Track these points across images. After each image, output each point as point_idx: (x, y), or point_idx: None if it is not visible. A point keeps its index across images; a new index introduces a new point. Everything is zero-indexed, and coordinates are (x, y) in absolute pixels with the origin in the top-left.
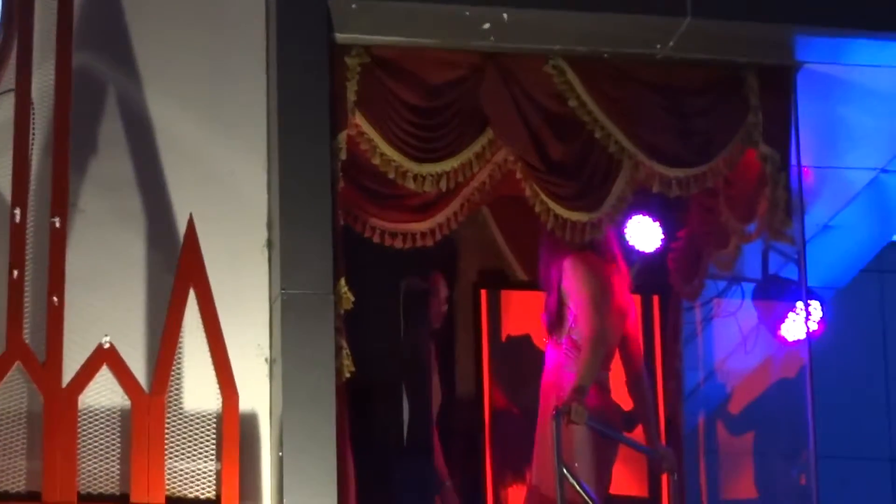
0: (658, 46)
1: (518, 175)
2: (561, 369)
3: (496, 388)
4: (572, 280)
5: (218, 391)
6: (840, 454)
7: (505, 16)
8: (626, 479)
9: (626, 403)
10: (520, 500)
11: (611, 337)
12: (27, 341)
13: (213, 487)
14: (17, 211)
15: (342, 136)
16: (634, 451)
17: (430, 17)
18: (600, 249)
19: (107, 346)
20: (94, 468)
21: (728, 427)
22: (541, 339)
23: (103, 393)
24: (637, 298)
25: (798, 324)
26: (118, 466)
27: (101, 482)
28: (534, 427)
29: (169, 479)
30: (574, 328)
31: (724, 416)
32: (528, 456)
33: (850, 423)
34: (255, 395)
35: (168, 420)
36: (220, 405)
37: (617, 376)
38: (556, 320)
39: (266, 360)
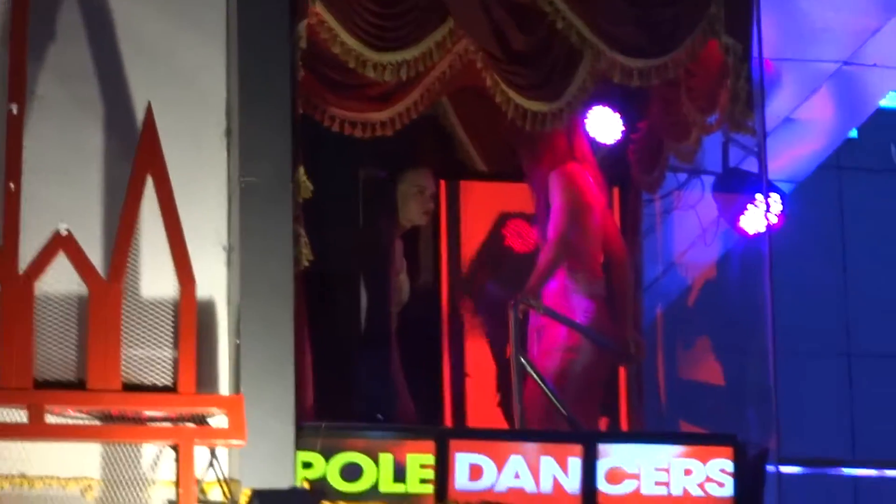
0: None
1: (479, 65)
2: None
3: (457, 280)
4: (555, 193)
5: (175, 278)
6: (797, 349)
7: None
8: None
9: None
10: (476, 391)
11: (587, 240)
12: None
13: (170, 374)
14: None
15: (302, 25)
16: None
17: None
18: (577, 155)
19: (64, 233)
20: (51, 354)
21: (687, 320)
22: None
23: (60, 280)
24: (613, 191)
25: (758, 217)
26: (75, 353)
27: (57, 368)
28: (489, 318)
29: (125, 366)
30: None
31: (684, 309)
32: (484, 349)
33: (806, 319)
34: (213, 282)
35: (125, 307)
36: (178, 292)
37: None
38: (544, 229)
39: (224, 247)
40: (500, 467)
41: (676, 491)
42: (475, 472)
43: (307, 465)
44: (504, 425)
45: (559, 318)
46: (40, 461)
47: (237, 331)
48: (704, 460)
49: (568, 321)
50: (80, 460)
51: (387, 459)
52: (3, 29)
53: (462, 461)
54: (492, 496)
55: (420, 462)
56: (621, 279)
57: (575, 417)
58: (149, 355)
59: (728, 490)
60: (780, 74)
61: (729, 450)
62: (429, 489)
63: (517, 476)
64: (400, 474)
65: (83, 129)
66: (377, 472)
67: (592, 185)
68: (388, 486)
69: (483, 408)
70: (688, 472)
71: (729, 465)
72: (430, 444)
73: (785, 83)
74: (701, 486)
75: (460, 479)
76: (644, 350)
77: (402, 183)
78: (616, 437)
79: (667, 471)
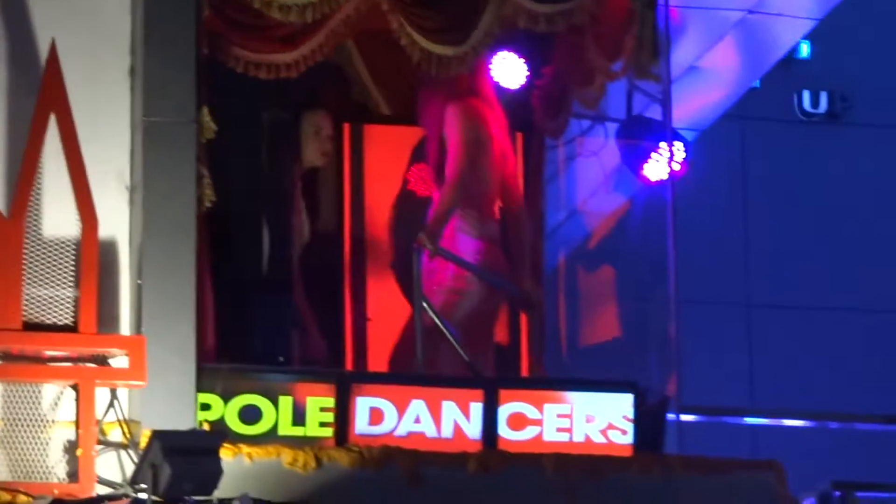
0: None
1: (384, 7)
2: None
3: (359, 223)
4: (451, 127)
5: (77, 218)
6: (697, 298)
7: None
8: None
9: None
10: (379, 334)
11: (483, 180)
12: None
13: (71, 314)
14: None
15: None
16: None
17: None
18: (477, 90)
19: None
20: None
21: (589, 268)
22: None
23: None
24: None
25: (660, 164)
26: None
27: None
28: (395, 262)
29: (26, 305)
30: None
31: (586, 257)
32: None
33: (707, 268)
34: (115, 222)
35: (26, 245)
36: (80, 232)
37: None
38: (439, 167)
39: (126, 187)
40: (400, 412)
41: (578, 437)
42: (376, 416)
43: (206, 407)
44: (406, 369)
45: (457, 261)
46: None
47: (139, 271)
48: (606, 407)
49: (466, 264)
50: None
51: (286, 402)
52: None
53: (362, 405)
54: (392, 440)
55: (320, 405)
56: (517, 228)
57: (476, 362)
58: (50, 294)
59: (630, 437)
60: (685, 22)
61: (629, 397)
62: (328, 433)
63: (418, 420)
64: (300, 417)
65: None
66: (276, 415)
67: (492, 124)
68: (287, 428)
69: (385, 352)
70: (589, 420)
71: (630, 413)
72: (331, 388)
73: (690, 31)
74: (603, 432)
75: (360, 423)
76: (542, 301)
77: (302, 124)
78: (518, 382)
79: (569, 417)
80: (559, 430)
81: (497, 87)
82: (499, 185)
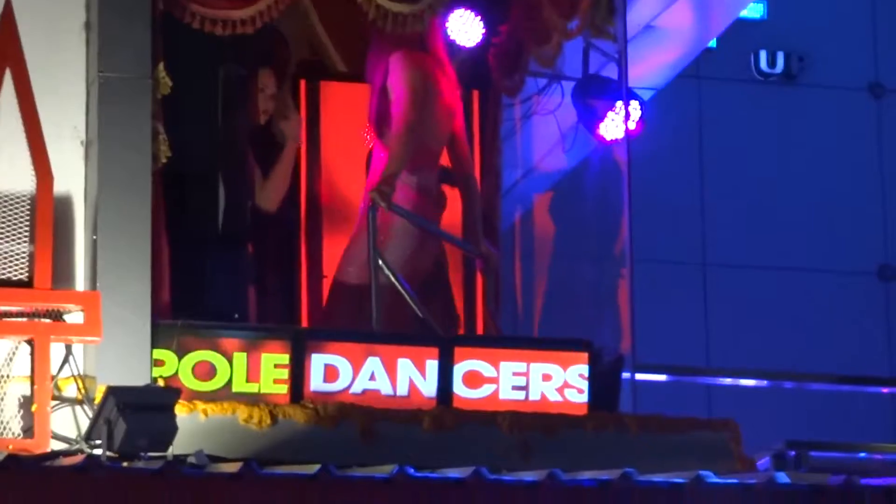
0: None
1: None
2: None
3: (316, 181)
4: (395, 76)
5: (32, 173)
6: (653, 257)
7: None
8: None
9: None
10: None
11: (430, 133)
12: None
13: (26, 269)
14: None
15: None
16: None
17: None
18: (428, 47)
19: None
20: None
21: (544, 226)
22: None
23: None
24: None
25: (617, 123)
26: None
27: None
28: (347, 219)
29: None
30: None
31: (540, 215)
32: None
33: (663, 227)
34: (70, 177)
35: None
36: (35, 187)
37: None
38: (380, 119)
39: (82, 142)
40: (356, 369)
41: (534, 396)
42: (330, 373)
43: (160, 363)
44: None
45: (411, 218)
46: None
47: (94, 226)
48: (563, 366)
49: (421, 221)
50: None
51: (240, 359)
52: None
53: (317, 362)
54: (347, 397)
55: (275, 362)
56: (468, 188)
57: (431, 319)
58: (4, 250)
59: (584, 397)
60: None
61: (584, 355)
62: (283, 389)
63: (373, 378)
64: (254, 374)
65: None
66: (231, 372)
67: (440, 79)
68: (241, 385)
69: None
70: (546, 378)
71: (584, 371)
72: (286, 345)
73: None
74: (559, 391)
75: (315, 380)
76: (496, 261)
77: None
78: (474, 340)
79: (525, 375)
80: (515, 388)
81: (450, 44)
82: (445, 141)
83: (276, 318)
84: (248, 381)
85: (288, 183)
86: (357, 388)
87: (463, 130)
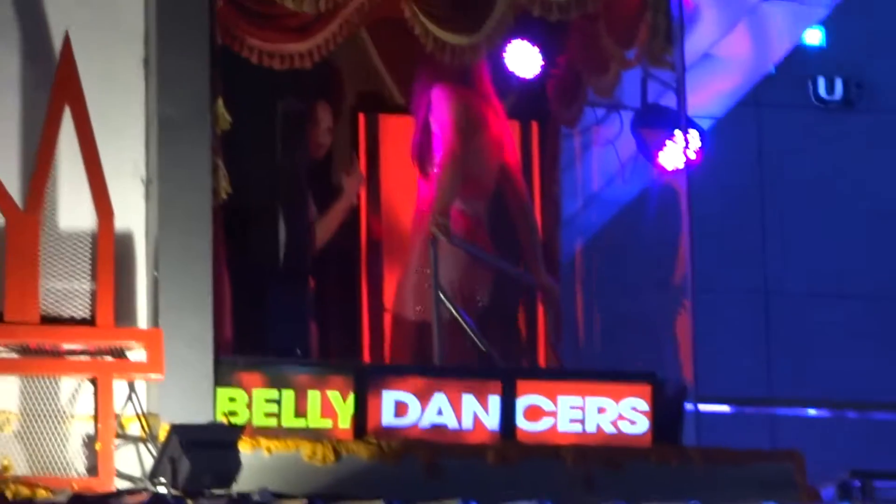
0: None
1: None
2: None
3: (375, 214)
4: (438, 110)
5: (93, 210)
6: (714, 287)
7: None
8: None
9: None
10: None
11: (477, 164)
12: None
13: (88, 307)
14: None
15: None
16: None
17: None
18: (472, 81)
19: None
20: None
21: (605, 256)
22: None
23: None
24: (515, 125)
25: (676, 153)
26: None
27: None
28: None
29: (43, 299)
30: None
31: (601, 245)
32: None
33: (724, 256)
34: (131, 215)
35: (42, 239)
36: (96, 225)
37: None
38: (423, 151)
39: (142, 179)
40: (423, 404)
41: (590, 428)
42: (397, 408)
43: (227, 400)
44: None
45: (467, 248)
46: None
47: (155, 264)
48: (620, 398)
49: (482, 253)
50: None
51: (303, 395)
52: None
53: (386, 398)
54: (416, 432)
55: (339, 398)
56: (525, 219)
57: (494, 353)
58: (67, 288)
59: (641, 428)
60: (699, 9)
61: (647, 388)
62: (346, 425)
63: (440, 413)
64: (317, 410)
65: None
66: (295, 407)
67: (485, 111)
68: (304, 421)
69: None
70: (602, 411)
71: (643, 404)
72: (349, 380)
73: (704, 18)
74: (616, 423)
75: (382, 415)
76: (556, 292)
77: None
78: (535, 374)
79: (582, 409)
80: (573, 420)
81: (507, 75)
82: (495, 172)
83: (338, 352)
84: (311, 417)
85: (336, 227)
86: (425, 422)
87: (516, 162)
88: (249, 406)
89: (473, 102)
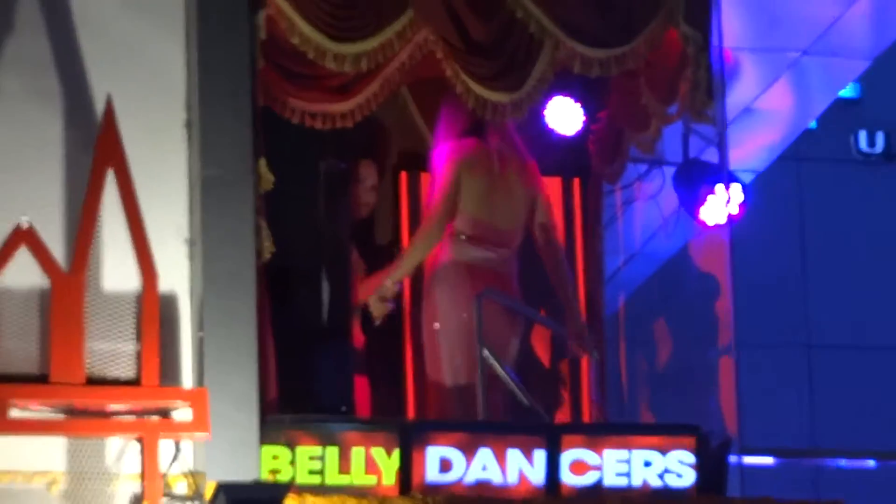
0: None
1: (439, 55)
2: None
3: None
4: (438, 166)
5: (137, 271)
6: (757, 340)
7: None
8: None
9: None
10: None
11: (494, 214)
12: None
13: (133, 368)
14: None
15: (261, 16)
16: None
17: None
18: (487, 136)
19: (25, 226)
20: (14, 348)
21: (648, 311)
22: None
23: (22, 273)
24: (557, 181)
25: (718, 207)
26: (37, 347)
27: (20, 362)
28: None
29: (88, 360)
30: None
31: (645, 300)
32: None
33: (766, 309)
34: (175, 275)
35: (87, 300)
36: (140, 285)
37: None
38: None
39: (186, 240)
40: (468, 460)
41: (638, 482)
42: (444, 465)
43: (272, 458)
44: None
45: (505, 301)
46: (4, 456)
47: (200, 323)
48: (666, 451)
49: (518, 306)
50: (45, 454)
51: (350, 452)
52: None
53: (432, 454)
54: (461, 488)
55: (383, 454)
56: (559, 272)
57: (538, 408)
58: (112, 348)
59: (688, 481)
60: (739, 64)
61: (692, 440)
62: (392, 481)
63: (484, 468)
64: (365, 467)
65: (43, 122)
66: (341, 465)
67: (504, 164)
68: (349, 478)
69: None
70: (648, 464)
71: (689, 456)
72: (394, 437)
73: (745, 73)
74: (663, 477)
75: (431, 471)
76: (589, 345)
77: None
78: (580, 428)
79: (627, 462)
80: (619, 474)
81: (540, 132)
82: (520, 223)
83: (387, 407)
84: (355, 473)
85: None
86: (470, 478)
87: (548, 216)
88: (293, 463)
89: (483, 156)
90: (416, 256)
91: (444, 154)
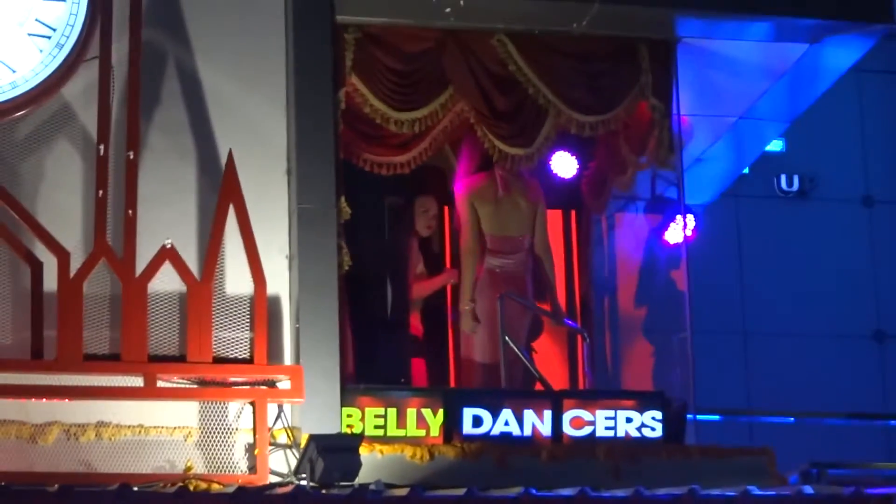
0: (575, 25)
1: (472, 121)
2: None
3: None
4: (458, 200)
5: (251, 280)
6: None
7: (462, 2)
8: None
9: None
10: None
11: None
12: (110, 243)
13: (248, 350)
14: (102, 146)
15: (342, 92)
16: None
17: (406, 3)
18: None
19: (169, 246)
20: (161, 336)
21: (626, 308)
22: None
23: (166, 281)
24: (559, 213)
25: (677, 231)
26: (178, 335)
27: (165, 347)
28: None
29: (215, 344)
30: None
31: (623, 300)
32: None
33: (714, 305)
34: (278, 282)
35: (214, 301)
36: (252, 290)
37: None
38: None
39: (286, 257)
40: (494, 418)
41: (622, 433)
42: (476, 421)
43: (348, 417)
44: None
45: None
46: (153, 415)
47: (296, 317)
48: (641, 411)
49: (531, 305)
50: (183, 414)
51: (405, 412)
52: (121, 93)
53: (467, 414)
54: (489, 439)
55: (432, 414)
56: (543, 264)
57: (546, 379)
58: (232, 336)
59: (657, 433)
60: (692, 126)
61: (659, 403)
62: (437, 433)
63: (507, 424)
64: (416, 423)
65: (181, 171)
66: (398, 421)
67: (512, 186)
68: (407, 431)
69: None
70: (629, 420)
71: (658, 415)
72: (440, 401)
73: (696, 132)
74: (639, 430)
75: (466, 426)
76: (562, 314)
77: (415, 206)
78: (577, 394)
79: (614, 419)
80: (607, 428)
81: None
82: (528, 230)
83: (433, 381)
84: (409, 428)
85: (430, 291)
86: (495, 431)
87: (541, 221)
88: (363, 420)
89: (492, 185)
90: (468, 276)
91: (458, 191)
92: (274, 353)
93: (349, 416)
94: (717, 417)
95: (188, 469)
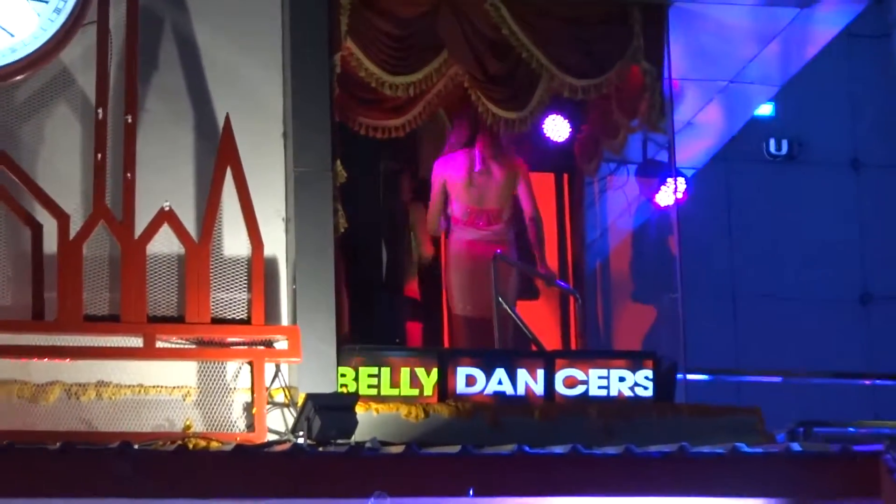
0: None
1: (465, 84)
2: None
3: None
4: (432, 177)
5: (248, 242)
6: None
7: None
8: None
9: None
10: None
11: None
12: (109, 206)
13: (246, 311)
14: (100, 110)
15: (337, 56)
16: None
17: None
18: (475, 143)
19: (167, 209)
20: (159, 298)
21: (617, 271)
22: None
23: (165, 243)
24: (551, 176)
25: (668, 194)
26: (177, 296)
27: (164, 307)
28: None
29: (213, 305)
30: None
31: (615, 263)
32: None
33: (704, 266)
34: (275, 244)
35: (212, 263)
36: (250, 252)
37: None
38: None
39: (283, 219)
40: (487, 377)
41: (613, 392)
42: (470, 380)
43: (343, 376)
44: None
45: (512, 263)
46: (152, 375)
47: (293, 279)
48: (633, 370)
49: (525, 266)
50: (182, 373)
51: (401, 371)
52: (119, 58)
53: (461, 373)
54: (482, 397)
55: (426, 373)
56: (534, 230)
57: (538, 339)
58: (230, 297)
59: (649, 392)
60: (683, 90)
61: (651, 362)
62: (431, 392)
63: (500, 383)
64: (411, 382)
65: (179, 135)
66: (392, 380)
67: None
68: (401, 390)
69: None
70: (622, 379)
71: (649, 374)
72: (434, 361)
73: (687, 96)
74: (631, 389)
75: (460, 385)
76: (554, 275)
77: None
78: (570, 354)
79: (606, 378)
80: (600, 387)
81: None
82: (506, 201)
83: (429, 342)
84: (403, 387)
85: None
86: (488, 390)
87: (526, 190)
88: (356, 380)
89: (466, 162)
90: (427, 234)
91: (434, 169)
92: (271, 314)
93: (343, 375)
94: (706, 377)
95: (187, 428)
